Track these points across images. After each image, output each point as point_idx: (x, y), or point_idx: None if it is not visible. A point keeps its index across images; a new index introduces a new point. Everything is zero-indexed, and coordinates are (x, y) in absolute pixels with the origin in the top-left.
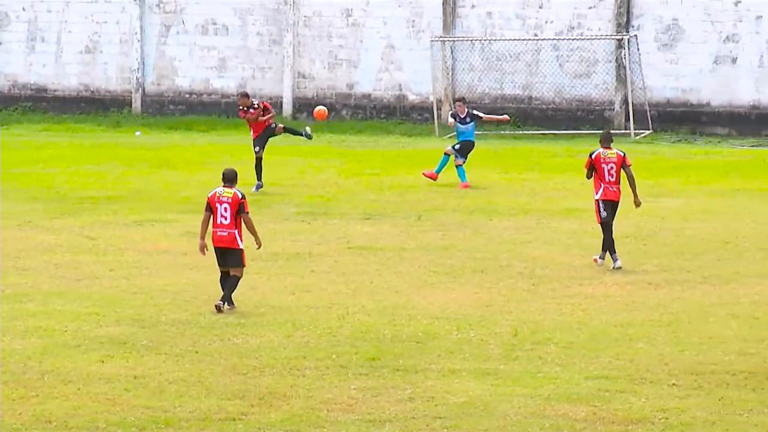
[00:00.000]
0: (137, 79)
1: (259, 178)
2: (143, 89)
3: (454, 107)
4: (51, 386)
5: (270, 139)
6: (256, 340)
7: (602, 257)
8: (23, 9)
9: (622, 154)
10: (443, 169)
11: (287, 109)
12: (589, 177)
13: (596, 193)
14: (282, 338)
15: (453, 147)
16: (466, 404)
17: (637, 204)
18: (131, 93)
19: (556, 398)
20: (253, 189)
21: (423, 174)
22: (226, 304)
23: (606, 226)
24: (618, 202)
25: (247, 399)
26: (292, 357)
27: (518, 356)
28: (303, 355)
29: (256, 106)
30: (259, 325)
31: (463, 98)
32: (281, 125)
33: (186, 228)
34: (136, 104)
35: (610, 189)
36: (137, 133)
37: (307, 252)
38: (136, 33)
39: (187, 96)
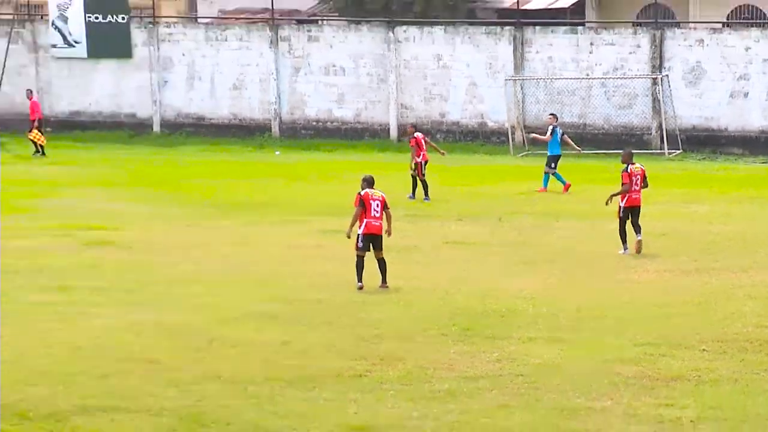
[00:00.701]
0: (275, 110)
1: (426, 193)
2: (280, 118)
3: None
4: (217, 350)
5: (423, 164)
6: (377, 315)
7: (626, 248)
8: (183, 54)
9: (643, 168)
10: (548, 181)
11: (393, 134)
12: (629, 188)
13: (622, 201)
14: (396, 313)
15: (549, 166)
16: (541, 365)
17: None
18: (271, 121)
19: (612, 360)
20: (424, 199)
21: (538, 191)
22: (385, 284)
23: (623, 222)
24: (640, 206)
25: (370, 360)
26: (405, 328)
27: (581, 327)
28: (413, 326)
29: (410, 139)
30: (378, 304)
31: (554, 114)
32: (423, 173)
33: (318, 227)
34: (275, 130)
35: (633, 196)
36: (277, 153)
37: (413, 246)
38: (272, 73)
39: (314, 123)
